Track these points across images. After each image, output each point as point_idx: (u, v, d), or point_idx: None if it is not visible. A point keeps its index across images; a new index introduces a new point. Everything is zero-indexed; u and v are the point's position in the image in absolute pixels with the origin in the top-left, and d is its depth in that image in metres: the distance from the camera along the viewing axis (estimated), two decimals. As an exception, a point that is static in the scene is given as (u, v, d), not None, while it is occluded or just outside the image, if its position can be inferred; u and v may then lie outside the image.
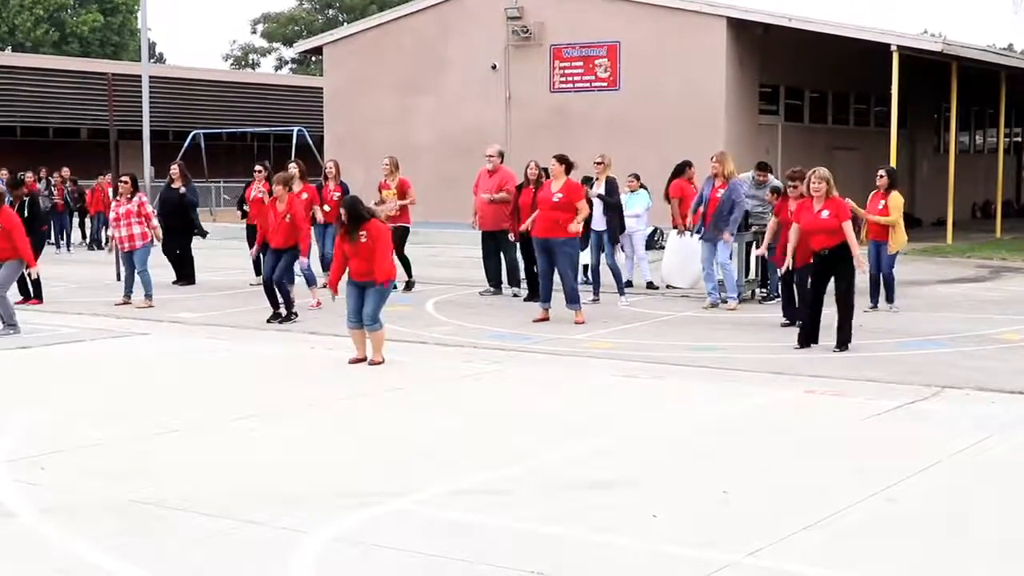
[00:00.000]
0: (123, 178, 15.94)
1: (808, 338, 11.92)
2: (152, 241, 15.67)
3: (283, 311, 14.00)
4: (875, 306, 14.65)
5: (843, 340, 11.78)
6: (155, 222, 15.81)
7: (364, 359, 11.19)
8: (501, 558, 5.69)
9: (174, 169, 18.89)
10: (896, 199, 14.46)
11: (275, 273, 13.88)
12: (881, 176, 14.63)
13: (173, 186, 18.65)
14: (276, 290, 13.94)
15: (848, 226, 11.64)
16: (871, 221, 14.41)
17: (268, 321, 13.90)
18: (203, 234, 19.21)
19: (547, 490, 6.93)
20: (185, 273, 18.39)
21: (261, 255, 14.60)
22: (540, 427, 8.63)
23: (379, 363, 11.07)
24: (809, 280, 12.10)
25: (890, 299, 14.73)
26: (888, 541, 5.98)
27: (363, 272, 11.06)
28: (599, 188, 15.61)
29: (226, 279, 19.10)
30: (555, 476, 7.25)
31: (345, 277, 11.30)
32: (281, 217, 13.89)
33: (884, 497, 6.69)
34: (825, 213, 11.69)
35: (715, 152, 15.80)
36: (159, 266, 18.82)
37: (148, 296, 15.50)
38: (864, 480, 7.02)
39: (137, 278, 15.54)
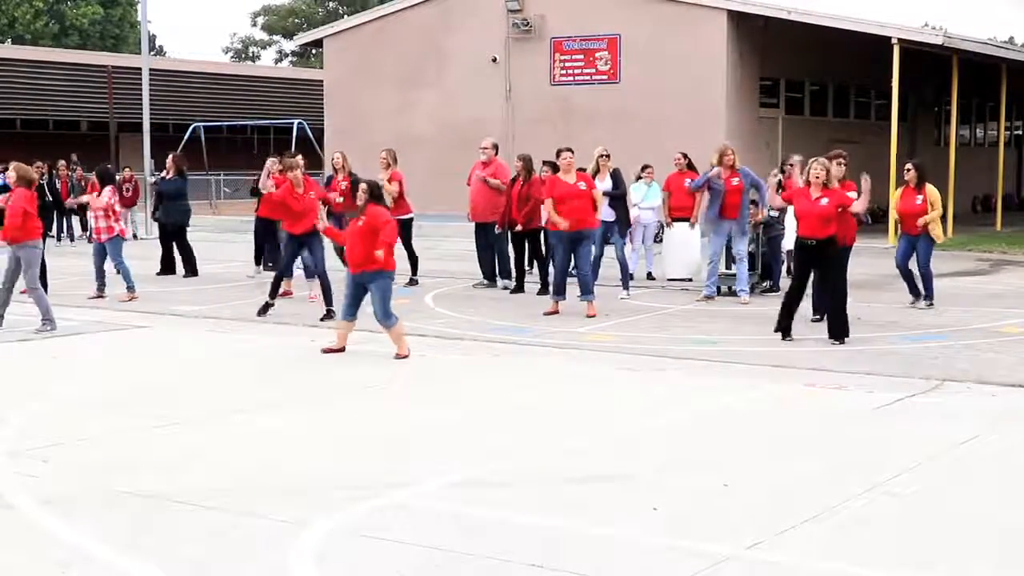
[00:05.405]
0: (91, 174, 16.18)
1: (782, 328, 11.90)
2: (119, 234, 15.44)
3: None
4: (917, 300, 14.21)
5: (837, 332, 11.71)
6: (122, 224, 15.68)
7: (341, 350, 11.23)
8: (501, 550, 5.69)
9: (168, 160, 19.22)
10: (934, 192, 13.96)
11: (316, 266, 14.01)
12: (909, 170, 14.01)
13: (167, 178, 18.97)
14: (321, 281, 13.82)
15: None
16: (909, 218, 13.86)
17: (259, 314, 13.60)
18: (154, 217, 19.25)
19: (547, 483, 6.93)
20: (174, 266, 18.50)
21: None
22: (540, 420, 8.63)
23: (405, 356, 10.98)
24: (791, 269, 12.13)
25: (928, 295, 14.20)
26: (888, 535, 5.98)
27: (358, 261, 11.04)
28: (603, 181, 15.33)
29: (225, 271, 19.10)
30: (555, 469, 7.25)
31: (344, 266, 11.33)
32: (303, 197, 13.55)
33: (884, 491, 6.68)
34: (824, 201, 11.68)
35: (725, 143, 15.93)
36: (149, 258, 18.85)
37: (130, 288, 15.31)
38: (864, 474, 7.01)
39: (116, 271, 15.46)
